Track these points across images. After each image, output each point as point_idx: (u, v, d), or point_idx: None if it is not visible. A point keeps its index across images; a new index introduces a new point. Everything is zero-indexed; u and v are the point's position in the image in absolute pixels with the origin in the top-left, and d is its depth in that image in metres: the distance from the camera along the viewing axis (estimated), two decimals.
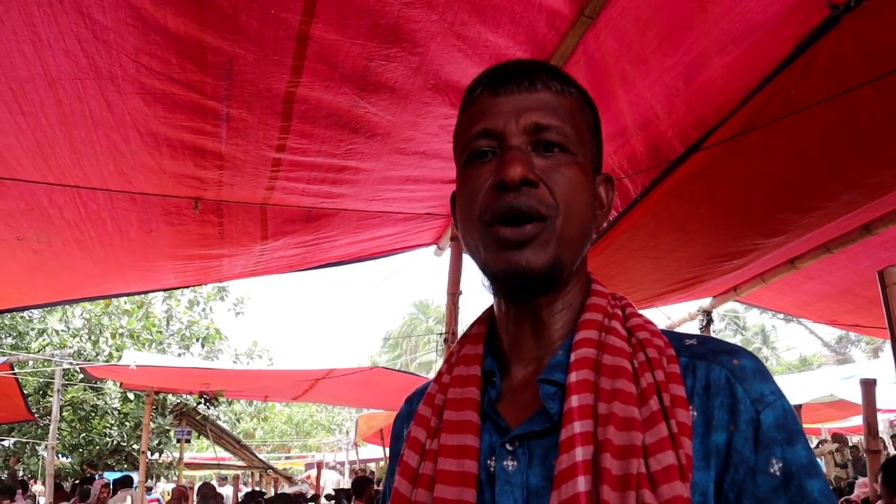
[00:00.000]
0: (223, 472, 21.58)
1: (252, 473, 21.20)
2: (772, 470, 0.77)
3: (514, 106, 0.89)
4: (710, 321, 5.48)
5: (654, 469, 0.75)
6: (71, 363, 11.59)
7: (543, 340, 0.92)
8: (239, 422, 22.80)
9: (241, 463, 19.16)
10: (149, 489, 17.54)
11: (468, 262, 4.37)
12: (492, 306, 1.00)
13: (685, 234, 3.31)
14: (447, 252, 4.42)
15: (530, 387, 0.89)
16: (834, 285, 4.47)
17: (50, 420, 10.89)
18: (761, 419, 0.79)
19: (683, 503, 0.74)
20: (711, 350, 0.86)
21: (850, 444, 13.47)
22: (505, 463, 0.84)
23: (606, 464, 0.76)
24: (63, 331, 13.80)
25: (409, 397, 1.10)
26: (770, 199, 2.91)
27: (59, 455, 14.87)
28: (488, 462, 0.86)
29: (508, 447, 0.85)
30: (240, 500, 9.07)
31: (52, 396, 11.98)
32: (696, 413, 0.81)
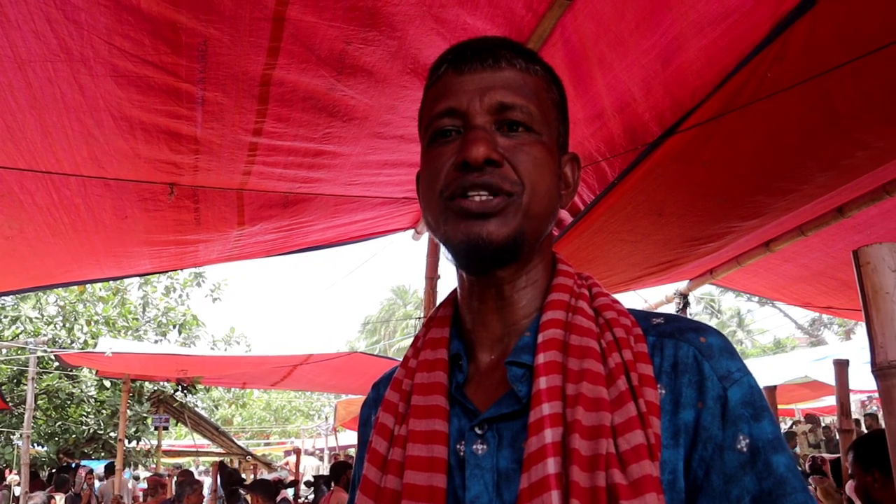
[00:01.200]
0: (202, 459, 21.52)
1: (231, 460, 21.17)
2: (739, 446, 0.78)
3: (479, 84, 0.88)
4: (686, 304, 5.54)
5: (623, 449, 0.76)
6: (45, 351, 11.47)
7: (508, 319, 0.92)
8: (217, 408, 22.76)
9: (219, 450, 19.11)
10: (136, 478, 17.47)
11: None
12: (456, 288, 1.00)
13: (662, 218, 3.32)
14: (425, 236, 4.42)
15: (498, 369, 0.89)
16: (808, 268, 4.52)
17: (24, 409, 10.77)
18: (728, 396, 0.80)
19: (653, 482, 0.74)
20: (678, 328, 0.86)
21: (823, 425, 13.73)
22: (475, 447, 0.84)
23: (576, 445, 0.76)
24: (37, 318, 13.64)
25: (377, 383, 1.09)
26: (746, 181, 2.93)
27: (35, 444, 14.73)
28: (458, 447, 0.85)
29: (478, 431, 0.85)
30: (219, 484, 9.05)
31: (26, 385, 11.84)
32: (664, 391, 0.81)
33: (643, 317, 0.90)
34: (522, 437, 0.80)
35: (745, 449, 0.78)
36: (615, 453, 0.75)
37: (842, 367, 3.95)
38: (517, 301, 0.91)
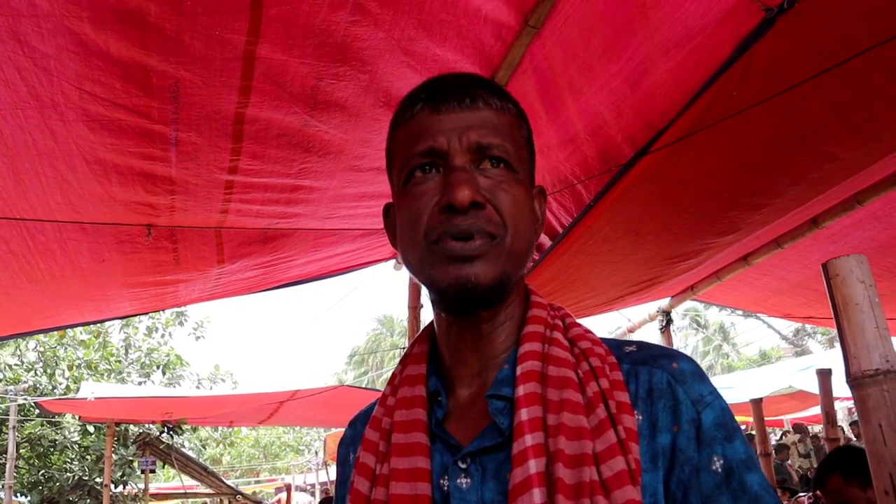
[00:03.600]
0: (190, 501, 21.17)
1: (220, 501, 20.83)
2: (714, 467, 0.80)
3: (457, 124, 0.88)
4: (669, 321, 5.56)
5: (605, 476, 0.77)
6: (26, 398, 11.28)
7: (486, 354, 0.92)
8: (205, 448, 22.44)
9: (209, 490, 18.81)
10: None
11: None
12: (431, 323, 1.01)
13: (640, 237, 3.36)
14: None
15: (477, 403, 0.90)
16: (786, 280, 4.57)
17: (6, 458, 10.56)
18: (702, 419, 0.82)
19: None
20: (651, 355, 0.88)
21: (811, 434, 13.77)
22: (459, 481, 0.85)
23: (560, 474, 0.77)
24: (17, 365, 13.43)
25: (353, 420, 1.09)
26: (719, 197, 2.97)
27: (17, 494, 14.42)
28: (441, 482, 0.86)
29: (461, 465, 0.85)
30: None
31: (6, 434, 11.64)
32: (640, 417, 0.83)
33: (616, 345, 0.92)
34: (506, 468, 0.81)
35: (719, 469, 0.80)
36: (598, 480, 0.77)
37: (825, 376, 3.98)
38: (496, 337, 0.92)
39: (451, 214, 0.84)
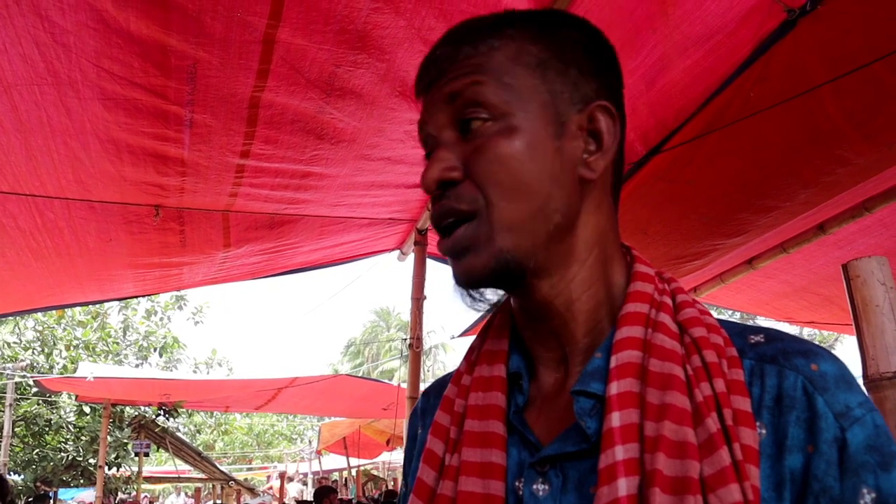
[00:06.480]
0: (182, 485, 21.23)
1: (213, 486, 20.87)
2: (862, 501, 0.63)
3: (439, 91, 0.75)
4: None
5: None
6: (24, 376, 11.29)
7: (568, 337, 0.78)
8: (199, 433, 22.49)
9: (201, 475, 18.85)
10: None
11: (432, 266, 4.38)
12: None
13: (647, 237, 3.36)
14: (410, 257, 4.41)
15: (563, 394, 0.76)
16: (790, 284, 4.57)
17: (1, 436, 10.57)
18: (848, 438, 0.64)
19: None
20: (783, 351, 0.70)
21: None
22: (535, 487, 0.72)
23: (656, 501, 0.62)
24: (15, 343, 13.45)
25: (426, 391, 0.95)
26: (729, 199, 2.97)
27: (11, 472, 14.46)
28: (516, 484, 0.73)
29: (539, 468, 0.73)
30: None
31: (2, 411, 11.64)
32: (764, 431, 0.67)
33: (738, 332, 0.74)
34: (591, 480, 0.68)
35: None
36: None
37: None
38: (575, 315, 0.77)
39: (435, 200, 0.74)
